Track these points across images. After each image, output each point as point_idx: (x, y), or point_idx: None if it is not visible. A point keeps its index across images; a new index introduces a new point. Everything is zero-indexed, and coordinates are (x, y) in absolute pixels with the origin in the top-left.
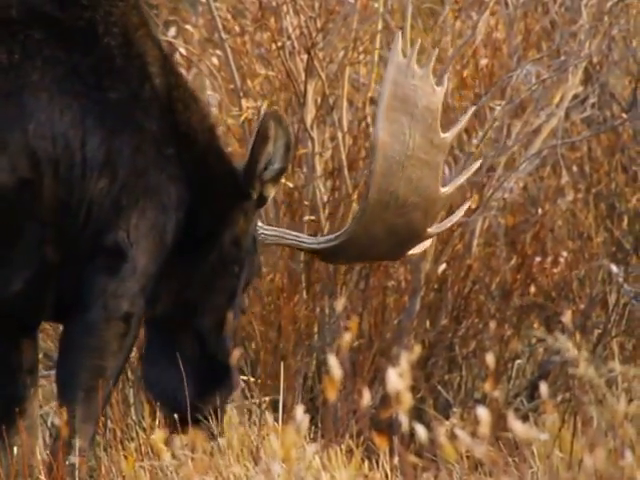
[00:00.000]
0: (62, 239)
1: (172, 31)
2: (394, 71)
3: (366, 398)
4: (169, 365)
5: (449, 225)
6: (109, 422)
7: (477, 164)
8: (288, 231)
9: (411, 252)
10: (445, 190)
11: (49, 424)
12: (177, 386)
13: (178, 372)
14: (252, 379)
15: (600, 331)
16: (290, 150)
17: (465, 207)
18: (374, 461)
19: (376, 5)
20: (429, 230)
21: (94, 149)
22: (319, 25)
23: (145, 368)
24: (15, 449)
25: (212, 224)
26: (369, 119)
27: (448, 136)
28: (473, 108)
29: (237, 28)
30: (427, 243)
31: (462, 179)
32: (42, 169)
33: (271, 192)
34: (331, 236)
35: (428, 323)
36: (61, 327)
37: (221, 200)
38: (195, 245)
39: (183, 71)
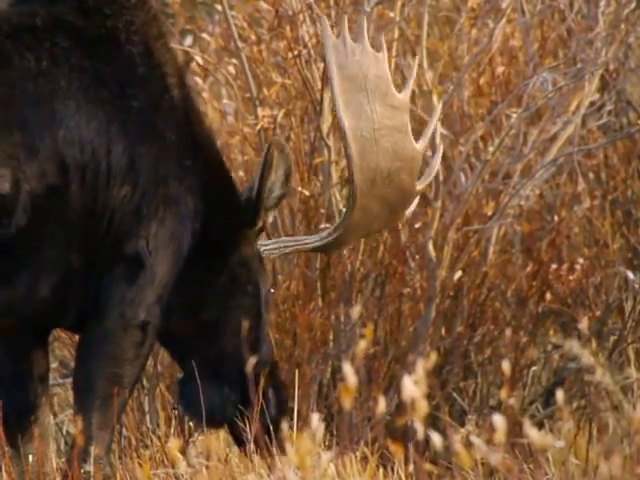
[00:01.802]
0: (86, 246)
1: (188, 40)
2: (333, 55)
3: (381, 405)
4: (209, 385)
5: (433, 175)
6: (124, 430)
7: (438, 108)
8: (287, 238)
9: (407, 213)
10: (420, 145)
11: (64, 432)
12: (220, 404)
13: (218, 391)
14: None
15: (616, 338)
16: (290, 176)
17: (437, 162)
18: (389, 469)
19: (392, 14)
20: (417, 187)
21: (118, 156)
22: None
23: (184, 390)
24: (30, 457)
25: (221, 241)
26: None
27: (404, 95)
28: (415, 63)
29: (253, 37)
30: (415, 201)
31: (430, 131)
32: (70, 176)
33: (270, 218)
34: (330, 229)
35: (444, 330)
36: (77, 336)
37: (228, 219)
38: (206, 261)
39: (199, 80)
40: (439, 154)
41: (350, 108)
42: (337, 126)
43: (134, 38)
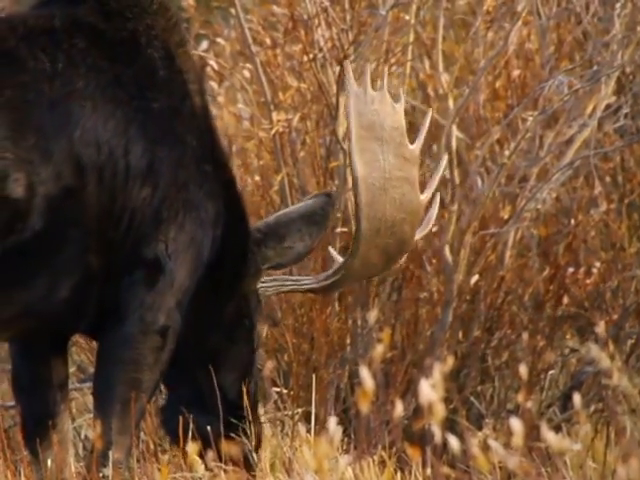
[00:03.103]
0: (105, 248)
1: (204, 45)
2: (354, 102)
3: (399, 409)
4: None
5: (429, 228)
6: (142, 434)
7: (443, 163)
8: (286, 277)
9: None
10: (424, 197)
11: (82, 437)
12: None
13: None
14: (285, 391)
15: (633, 341)
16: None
17: (434, 212)
18: (407, 472)
19: (407, 17)
20: (415, 237)
21: (137, 157)
22: (351, 37)
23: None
24: (49, 463)
25: (235, 261)
26: None
27: (416, 147)
28: (428, 114)
29: (268, 41)
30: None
31: (435, 183)
32: (87, 176)
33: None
34: (329, 272)
35: (461, 334)
36: (94, 341)
37: (239, 242)
38: (219, 282)
39: (215, 85)
40: (436, 205)
41: (364, 156)
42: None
43: (155, 42)
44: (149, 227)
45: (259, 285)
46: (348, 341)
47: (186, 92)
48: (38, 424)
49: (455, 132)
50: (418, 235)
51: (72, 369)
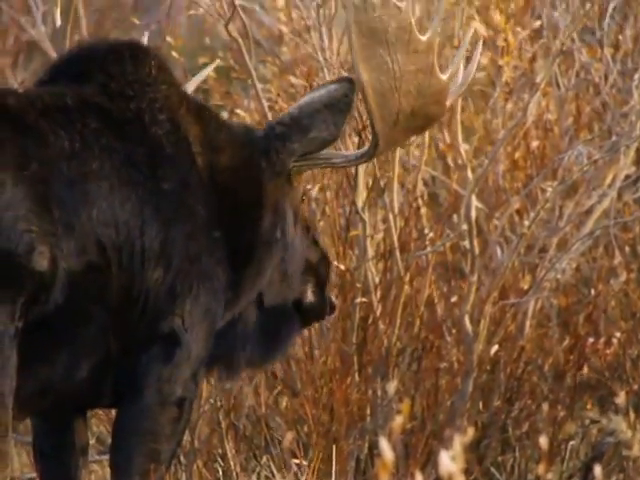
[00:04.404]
0: (123, 328)
1: (224, 115)
2: (352, 13)
3: None
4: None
5: (465, 86)
6: None
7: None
8: (317, 155)
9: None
10: (446, 75)
11: None
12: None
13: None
14: (304, 462)
15: None
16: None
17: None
18: None
19: None
20: (447, 105)
21: (151, 239)
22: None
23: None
24: None
25: (252, 246)
26: (420, 201)
27: (430, 35)
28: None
29: None
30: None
31: (458, 60)
32: (108, 256)
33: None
34: (357, 153)
35: (481, 405)
36: (113, 411)
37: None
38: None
39: None
40: (477, 58)
41: (370, 63)
42: (373, 201)
43: (159, 117)
44: (164, 303)
45: (291, 164)
46: (368, 412)
47: (191, 159)
48: None
49: (474, 202)
50: (450, 99)
51: (92, 441)
